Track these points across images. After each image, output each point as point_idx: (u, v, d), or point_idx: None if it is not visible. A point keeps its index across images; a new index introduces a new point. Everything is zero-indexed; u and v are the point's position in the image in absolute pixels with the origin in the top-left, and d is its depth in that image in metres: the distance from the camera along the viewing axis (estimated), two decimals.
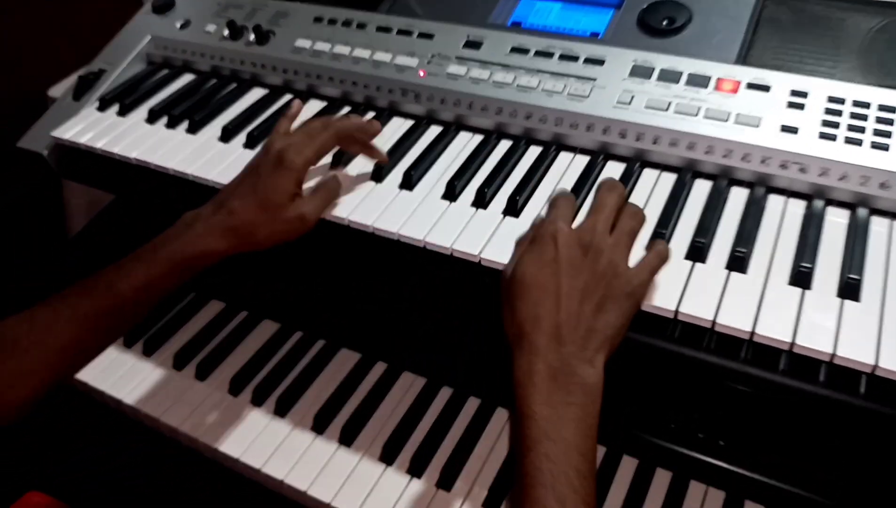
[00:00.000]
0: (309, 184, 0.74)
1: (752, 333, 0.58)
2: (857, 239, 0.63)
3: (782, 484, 0.72)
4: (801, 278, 0.61)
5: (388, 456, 0.78)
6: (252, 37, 0.93)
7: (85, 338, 0.66)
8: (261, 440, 0.80)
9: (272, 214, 0.69)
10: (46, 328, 0.64)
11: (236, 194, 0.70)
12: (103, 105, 0.92)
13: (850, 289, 0.59)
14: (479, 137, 0.80)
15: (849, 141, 0.68)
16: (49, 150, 0.91)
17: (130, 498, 0.92)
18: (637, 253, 0.61)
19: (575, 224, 0.61)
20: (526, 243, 0.61)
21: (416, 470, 0.77)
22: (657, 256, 0.60)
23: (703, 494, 0.74)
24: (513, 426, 0.56)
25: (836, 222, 0.66)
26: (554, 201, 0.64)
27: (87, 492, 0.90)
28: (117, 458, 0.93)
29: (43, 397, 0.65)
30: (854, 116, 0.69)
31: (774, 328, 0.57)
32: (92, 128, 0.89)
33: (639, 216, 0.62)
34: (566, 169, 0.75)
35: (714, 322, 0.58)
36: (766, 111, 0.71)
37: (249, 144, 0.83)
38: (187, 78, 0.97)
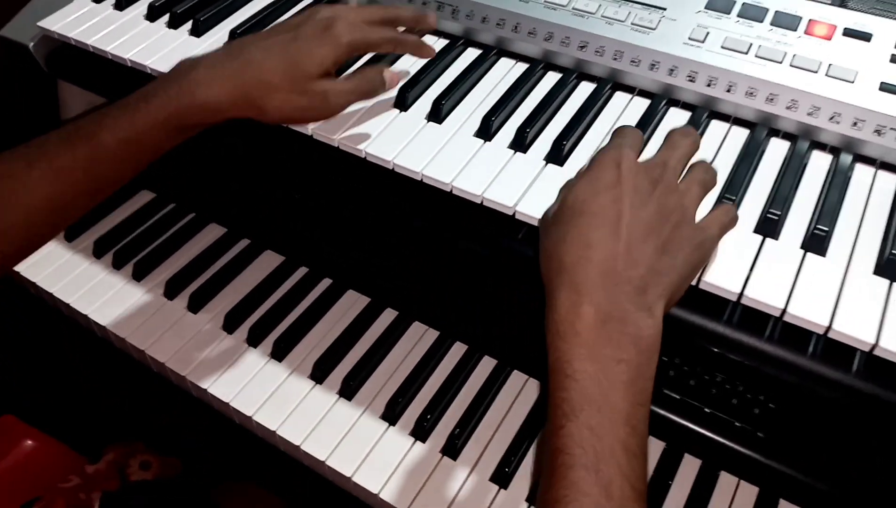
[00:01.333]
0: None
1: (829, 328, 0.49)
2: None
3: (823, 485, 0.65)
4: (890, 267, 0.52)
5: (390, 415, 0.71)
6: None
7: (63, 194, 0.57)
8: (254, 385, 0.73)
9: (296, 81, 0.58)
10: (20, 181, 0.56)
11: (260, 46, 0.59)
12: None
13: None
14: (522, 67, 0.70)
15: None
16: (35, 42, 0.82)
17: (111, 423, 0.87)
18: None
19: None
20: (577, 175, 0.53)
21: (420, 433, 0.70)
22: (726, 213, 0.52)
23: (734, 487, 0.67)
24: (547, 387, 0.47)
25: None
26: (619, 130, 0.55)
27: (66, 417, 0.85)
28: (103, 386, 0.87)
29: (20, 257, 0.59)
30: None
31: (854, 325, 0.49)
32: (85, 20, 0.79)
33: (713, 172, 0.54)
34: (622, 112, 0.65)
35: (784, 311, 0.50)
36: (865, 65, 0.60)
37: None
38: None
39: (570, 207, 0.49)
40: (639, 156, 0.53)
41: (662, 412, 0.69)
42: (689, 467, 0.68)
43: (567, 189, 0.52)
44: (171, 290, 0.82)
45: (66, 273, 0.84)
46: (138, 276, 0.84)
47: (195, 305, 0.81)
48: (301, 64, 0.58)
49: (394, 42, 0.64)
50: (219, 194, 0.92)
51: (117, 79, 0.78)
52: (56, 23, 0.79)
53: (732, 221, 0.53)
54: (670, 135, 0.55)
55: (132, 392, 0.88)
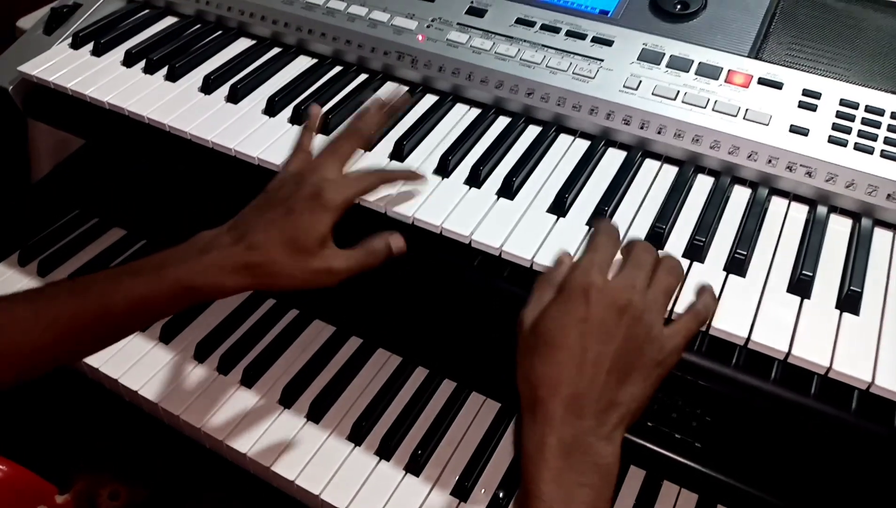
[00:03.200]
0: None
1: (748, 339, 0.55)
2: (859, 250, 0.61)
3: (757, 492, 0.71)
4: (801, 286, 0.58)
5: (356, 436, 0.75)
6: None
7: (63, 344, 0.58)
8: (224, 411, 0.77)
9: (298, 258, 0.60)
10: (23, 328, 0.56)
11: (260, 227, 0.60)
12: (77, 42, 0.86)
13: (850, 302, 0.57)
14: (476, 111, 0.76)
15: (859, 148, 0.65)
16: (14, 85, 0.86)
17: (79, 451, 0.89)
18: None
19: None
20: (548, 287, 0.54)
21: (384, 452, 0.74)
22: (695, 318, 0.54)
23: (675, 495, 0.73)
24: (518, 503, 0.52)
25: (839, 230, 0.64)
26: (593, 241, 0.56)
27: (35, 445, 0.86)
28: (73, 414, 0.89)
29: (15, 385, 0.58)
30: (866, 122, 0.67)
31: (770, 337, 0.55)
32: (63, 66, 0.83)
33: (676, 271, 0.55)
34: (565, 152, 0.71)
35: (709, 326, 0.56)
36: (777, 109, 0.68)
37: (232, 98, 0.78)
38: (169, 21, 0.91)
39: (542, 336, 0.52)
40: (609, 266, 0.54)
41: None
42: (635, 478, 0.74)
43: (542, 314, 0.53)
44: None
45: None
46: None
47: (167, 336, 0.84)
48: (300, 240, 0.60)
49: (382, 180, 0.66)
50: (187, 231, 0.96)
51: (92, 120, 0.82)
52: (36, 67, 0.83)
53: (701, 324, 0.54)
54: (633, 249, 0.55)
55: (102, 421, 0.90)
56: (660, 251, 0.58)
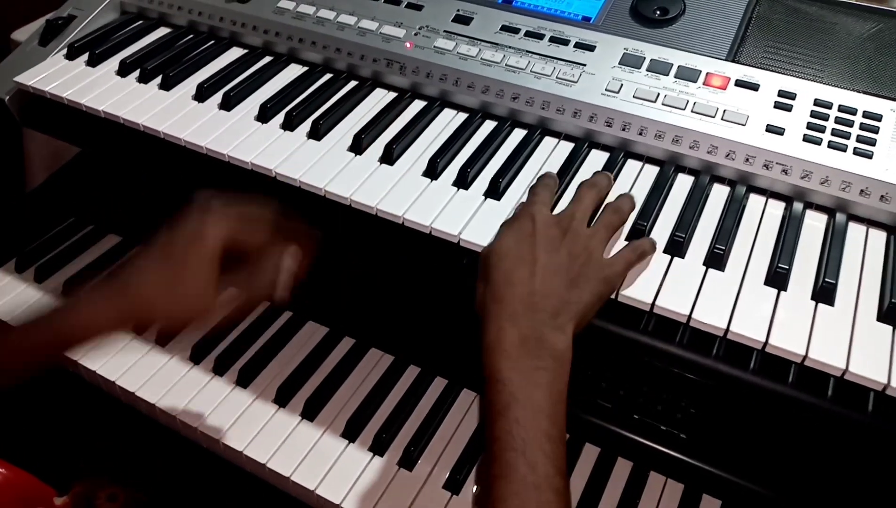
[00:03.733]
0: None
1: (727, 330, 0.58)
2: (833, 244, 0.64)
3: (741, 480, 0.73)
4: (778, 279, 0.61)
5: (350, 433, 0.77)
6: None
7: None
8: (220, 411, 0.79)
9: (176, 290, 0.59)
10: None
11: (138, 264, 0.61)
12: (72, 53, 0.88)
13: (824, 293, 0.59)
14: (463, 116, 0.79)
15: (833, 146, 0.68)
16: (11, 95, 0.87)
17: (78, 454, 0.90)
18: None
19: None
20: (505, 225, 0.62)
21: (378, 448, 0.76)
22: (634, 250, 0.61)
23: (662, 485, 0.75)
24: (483, 391, 0.56)
25: (814, 225, 0.66)
26: (533, 188, 0.66)
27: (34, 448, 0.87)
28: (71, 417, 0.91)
29: None
30: (839, 121, 0.69)
31: (748, 327, 0.57)
32: (59, 76, 0.85)
33: (621, 212, 0.63)
34: (550, 154, 0.74)
35: (689, 317, 0.58)
36: (754, 110, 0.71)
37: (225, 105, 0.80)
38: (162, 32, 0.93)
39: (498, 251, 0.60)
40: (552, 203, 0.64)
41: (596, 420, 0.77)
42: (622, 469, 0.76)
43: (499, 233, 0.62)
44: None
45: (37, 312, 0.88)
46: None
47: (163, 339, 0.86)
48: (172, 275, 0.59)
49: (279, 242, 0.64)
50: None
51: (87, 129, 0.84)
52: (32, 78, 0.85)
53: (641, 256, 0.61)
54: (579, 188, 0.65)
55: (100, 423, 0.91)
56: (617, 194, 0.66)
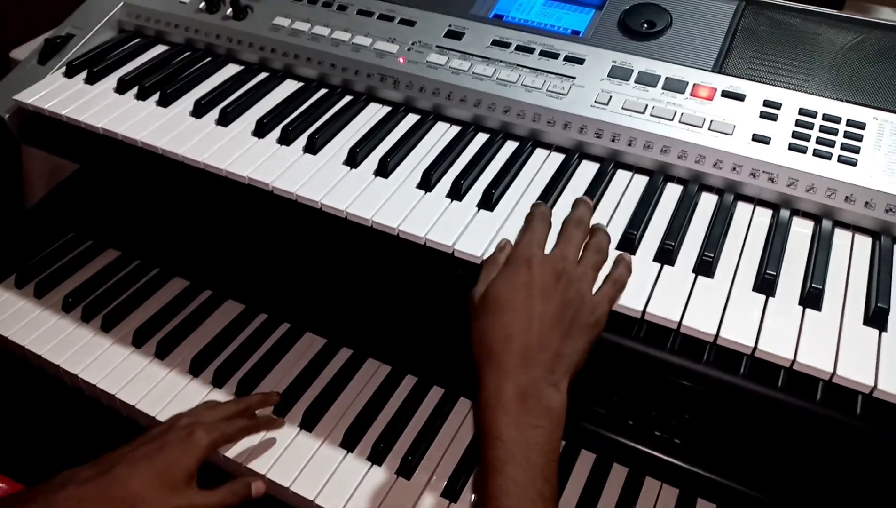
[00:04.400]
0: None
1: (716, 336, 0.59)
2: (820, 250, 0.65)
3: (734, 484, 0.74)
4: (766, 285, 0.62)
5: (349, 442, 0.78)
6: (229, 11, 0.91)
7: None
8: None
9: (163, 494, 0.61)
10: None
11: (128, 459, 0.62)
12: (71, 71, 0.90)
13: (812, 298, 0.61)
14: (456, 129, 0.80)
15: (817, 154, 0.69)
16: (10, 114, 0.88)
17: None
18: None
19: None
20: (494, 266, 0.62)
21: (376, 457, 0.77)
22: (614, 285, 0.61)
23: (657, 490, 0.76)
24: (480, 445, 0.57)
25: (801, 232, 0.68)
26: (529, 222, 0.65)
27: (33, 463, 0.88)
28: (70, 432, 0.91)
29: None
30: (824, 129, 0.71)
31: (738, 333, 0.59)
32: (58, 94, 0.86)
33: (603, 252, 0.64)
34: (541, 166, 0.75)
35: (680, 324, 0.60)
36: (740, 120, 0.72)
37: (222, 121, 0.81)
38: (160, 49, 0.95)
39: (493, 300, 0.59)
40: (546, 240, 0.64)
41: (592, 427, 0.78)
42: (618, 475, 0.77)
43: (491, 282, 0.60)
44: (139, 339, 0.88)
45: (37, 327, 0.89)
46: (107, 327, 0.90)
47: (162, 352, 0.87)
48: (168, 473, 0.62)
49: (248, 431, 0.73)
50: (181, 250, 0.99)
51: (86, 146, 0.85)
52: (32, 96, 0.86)
53: (621, 289, 0.61)
54: (564, 227, 0.65)
55: (99, 437, 0.91)
56: (593, 223, 0.67)
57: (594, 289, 0.61)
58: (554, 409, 0.56)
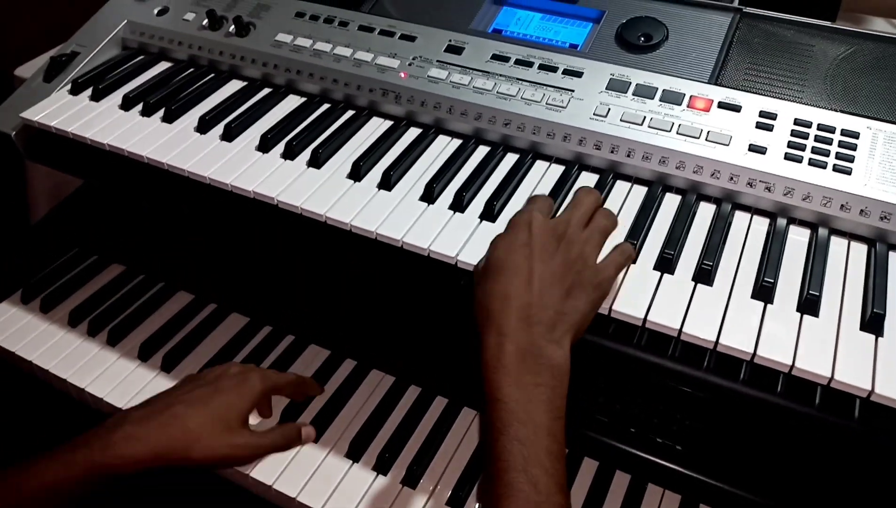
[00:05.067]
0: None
1: (716, 343, 0.60)
2: (816, 257, 0.66)
3: (736, 490, 0.75)
4: (764, 292, 0.63)
5: (354, 453, 0.79)
6: (232, 28, 0.93)
7: None
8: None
9: (219, 432, 0.65)
10: None
11: (183, 400, 0.66)
12: (76, 89, 0.91)
13: (809, 305, 0.62)
14: (457, 142, 0.81)
15: (813, 163, 0.70)
16: (17, 131, 0.89)
17: None
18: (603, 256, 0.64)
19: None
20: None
21: (382, 467, 0.77)
22: (622, 253, 0.63)
23: (660, 497, 0.76)
24: (483, 409, 0.57)
25: (797, 240, 0.69)
26: (532, 198, 0.67)
27: None
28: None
29: None
30: (819, 139, 0.72)
31: (737, 339, 0.60)
32: (64, 111, 0.88)
33: (612, 218, 0.65)
34: (542, 177, 0.76)
35: (680, 331, 0.61)
36: (736, 130, 0.74)
37: (227, 136, 0.82)
38: (164, 66, 0.96)
39: (493, 264, 0.60)
40: (550, 215, 0.64)
41: (594, 434, 0.79)
42: (620, 481, 0.77)
43: (492, 246, 0.62)
44: (146, 352, 0.89)
45: (43, 342, 0.90)
46: (113, 341, 0.91)
47: (168, 365, 0.88)
48: (224, 416, 0.66)
49: (297, 385, 0.79)
50: (185, 264, 1.00)
51: (91, 162, 0.87)
52: (38, 113, 0.87)
53: (628, 258, 0.63)
54: (576, 193, 0.66)
55: None
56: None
57: (601, 256, 0.62)
58: (556, 366, 0.56)
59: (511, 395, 0.54)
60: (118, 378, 0.86)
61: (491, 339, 0.57)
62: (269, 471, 0.76)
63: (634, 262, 0.66)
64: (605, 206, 0.72)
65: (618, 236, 0.69)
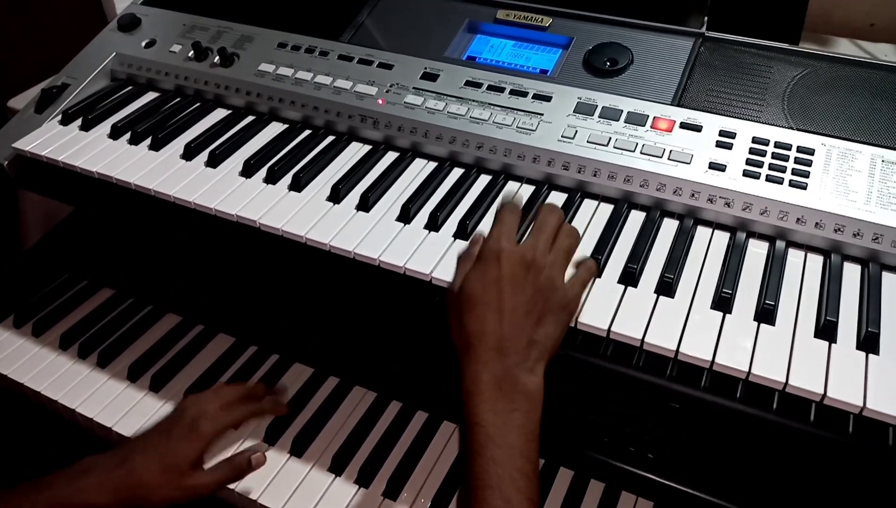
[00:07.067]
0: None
1: (677, 352, 0.63)
2: (773, 269, 0.69)
3: (705, 495, 0.77)
4: (723, 303, 0.66)
5: (337, 467, 0.81)
6: (217, 59, 0.97)
7: None
8: (212, 452, 0.82)
9: (172, 478, 0.71)
10: None
11: (140, 451, 0.73)
12: (66, 119, 0.94)
13: (765, 314, 0.65)
14: (433, 164, 0.85)
15: (770, 179, 0.74)
16: (9, 161, 0.92)
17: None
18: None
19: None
20: (468, 260, 0.65)
21: (363, 480, 0.80)
22: (587, 270, 0.67)
23: (633, 504, 0.79)
24: (462, 431, 0.60)
25: (756, 252, 0.72)
26: (499, 215, 0.67)
27: None
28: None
29: None
30: (776, 156, 0.76)
31: (697, 348, 0.62)
32: (54, 141, 0.91)
33: (574, 235, 0.67)
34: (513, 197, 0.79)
35: (642, 341, 0.63)
36: (697, 149, 0.77)
37: (211, 162, 0.86)
38: (151, 96, 0.99)
39: (467, 297, 0.62)
40: (516, 232, 0.65)
41: (569, 444, 0.81)
42: (594, 490, 0.80)
43: (465, 279, 0.64)
44: (134, 373, 0.91)
45: (35, 365, 0.93)
46: (103, 363, 0.93)
47: (157, 385, 0.90)
48: (175, 463, 0.72)
49: (253, 414, 0.82)
50: (173, 287, 1.03)
51: (81, 190, 0.90)
52: (30, 144, 0.90)
53: (592, 274, 0.67)
54: (538, 214, 0.67)
55: None
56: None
57: (567, 274, 0.65)
58: (530, 392, 0.60)
59: (488, 420, 0.58)
60: (108, 399, 0.88)
61: (469, 369, 0.61)
62: (253, 486, 0.79)
63: (600, 276, 0.69)
64: (574, 223, 0.76)
65: (585, 252, 0.72)
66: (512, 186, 0.81)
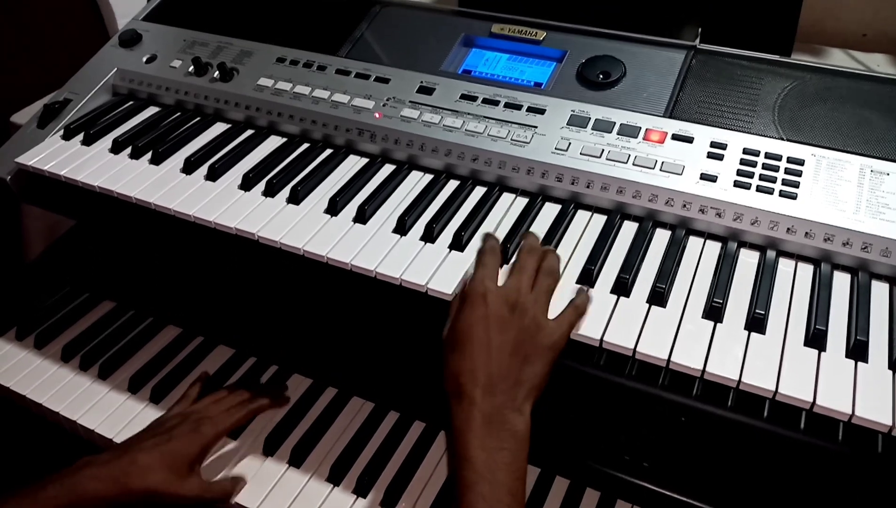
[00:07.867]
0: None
1: (668, 361, 0.64)
2: (764, 278, 0.70)
3: (700, 503, 0.78)
4: (714, 312, 0.67)
5: (335, 476, 0.82)
6: (216, 74, 0.98)
7: None
8: (212, 463, 0.83)
9: (170, 475, 0.73)
10: None
11: (142, 447, 0.74)
12: (68, 134, 0.96)
13: (756, 323, 0.66)
14: (429, 177, 0.86)
15: (760, 190, 0.75)
16: (12, 175, 0.94)
17: None
18: (566, 295, 0.69)
19: (501, 279, 0.68)
20: (457, 304, 0.68)
21: (361, 490, 0.81)
22: (575, 310, 0.67)
23: None
24: (452, 467, 0.62)
25: (747, 262, 0.73)
26: (480, 258, 0.70)
27: None
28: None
29: None
30: (766, 166, 0.77)
31: (688, 357, 0.63)
32: (56, 155, 0.92)
33: (554, 274, 0.69)
34: (508, 209, 0.81)
35: (634, 351, 0.64)
36: (689, 160, 0.78)
37: (211, 176, 0.87)
38: (152, 110, 1.01)
39: (457, 336, 0.65)
40: (497, 272, 0.68)
41: (564, 453, 0.82)
42: (590, 499, 0.80)
43: (455, 319, 0.66)
44: (135, 385, 0.92)
45: (37, 376, 0.94)
46: (104, 375, 0.94)
47: (157, 397, 0.91)
48: (173, 463, 0.74)
49: (254, 413, 0.85)
50: (173, 299, 1.04)
51: (83, 203, 0.91)
52: (32, 158, 0.92)
53: (580, 314, 0.67)
54: (519, 254, 0.70)
55: None
56: (544, 247, 0.72)
57: (554, 312, 0.66)
58: (518, 432, 0.62)
59: (478, 457, 0.60)
60: (109, 410, 0.89)
61: (460, 409, 0.63)
62: (252, 496, 0.79)
63: (592, 286, 0.70)
64: (567, 234, 0.77)
65: (578, 262, 0.73)
66: (504, 200, 0.82)
